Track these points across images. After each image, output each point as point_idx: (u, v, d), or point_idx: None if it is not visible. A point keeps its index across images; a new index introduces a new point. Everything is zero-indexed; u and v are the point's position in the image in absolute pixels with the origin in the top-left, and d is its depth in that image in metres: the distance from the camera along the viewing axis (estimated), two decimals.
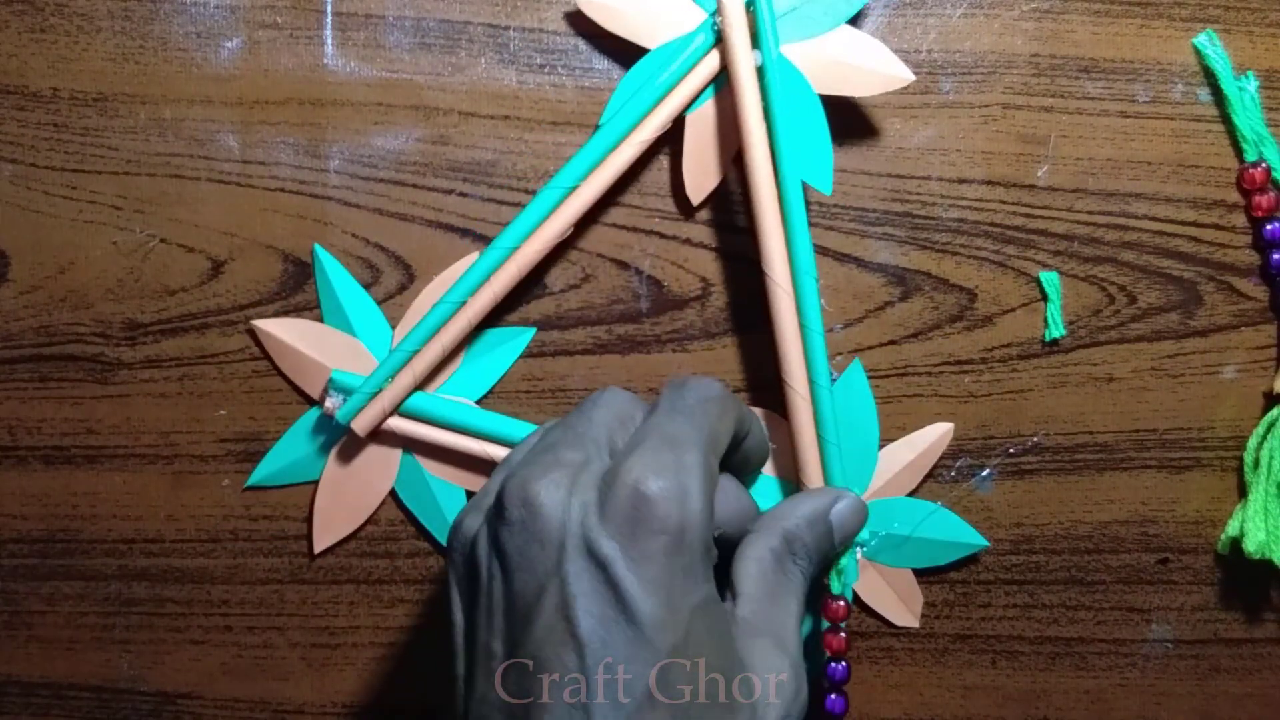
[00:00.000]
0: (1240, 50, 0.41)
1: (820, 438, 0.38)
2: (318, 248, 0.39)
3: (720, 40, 0.37)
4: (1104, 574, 0.42)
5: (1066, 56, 0.41)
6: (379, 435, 0.39)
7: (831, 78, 0.38)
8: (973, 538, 0.41)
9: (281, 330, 0.39)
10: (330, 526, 0.40)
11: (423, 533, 0.41)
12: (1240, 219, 0.41)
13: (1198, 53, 0.41)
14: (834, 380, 0.40)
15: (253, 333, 0.40)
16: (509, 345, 0.40)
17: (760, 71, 0.37)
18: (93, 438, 0.40)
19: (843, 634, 0.39)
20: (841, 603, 0.39)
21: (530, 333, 0.40)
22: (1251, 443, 0.42)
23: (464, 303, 0.38)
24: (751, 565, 0.32)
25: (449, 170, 0.40)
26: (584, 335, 0.41)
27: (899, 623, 0.42)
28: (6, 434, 0.40)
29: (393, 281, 0.40)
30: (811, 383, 0.37)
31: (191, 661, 0.41)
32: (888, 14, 0.40)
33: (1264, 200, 0.41)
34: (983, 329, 0.41)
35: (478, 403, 0.40)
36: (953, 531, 0.41)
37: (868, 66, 0.38)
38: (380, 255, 0.40)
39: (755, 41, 0.37)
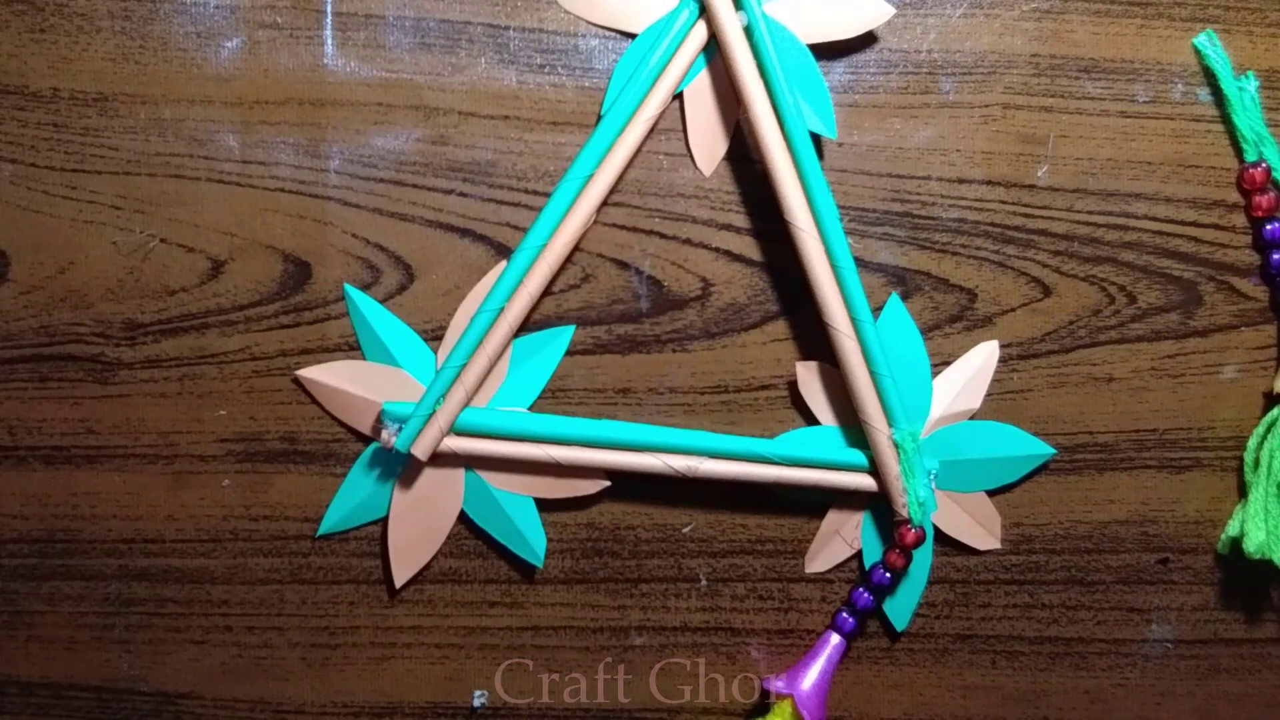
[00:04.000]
0: (1240, 50, 0.41)
1: (873, 373, 0.38)
2: (348, 287, 0.39)
3: (704, 10, 0.38)
4: (1104, 574, 0.42)
5: (1066, 56, 0.41)
6: (439, 458, 0.39)
7: (816, 26, 0.39)
8: (1040, 448, 0.41)
9: (326, 375, 0.39)
10: (407, 559, 0.40)
11: (497, 549, 0.41)
12: (1240, 219, 0.42)
13: (1198, 53, 0.41)
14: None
15: (297, 380, 0.40)
16: (552, 346, 0.40)
17: (748, 33, 0.37)
18: (93, 438, 0.40)
19: (905, 558, 0.40)
20: (918, 530, 0.39)
21: (570, 330, 0.40)
22: (1251, 443, 0.42)
23: (502, 309, 0.38)
24: None
25: (449, 170, 0.40)
26: (584, 335, 0.41)
27: (981, 547, 0.41)
28: (6, 434, 0.40)
29: (393, 281, 0.40)
30: (854, 320, 0.38)
31: (191, 661, 0.41)
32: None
33: (1264, 200, 0.41)
34: (983, 329, 0.41)
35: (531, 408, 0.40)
36: (1019, 445, 0.41)
37: (848, 8, 0.39)
38: (380, 255, 0.40)
39: (737, 5, 0.37)
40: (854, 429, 0.40)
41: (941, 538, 0.41)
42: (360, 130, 0.39)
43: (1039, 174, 0.41)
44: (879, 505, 0.41)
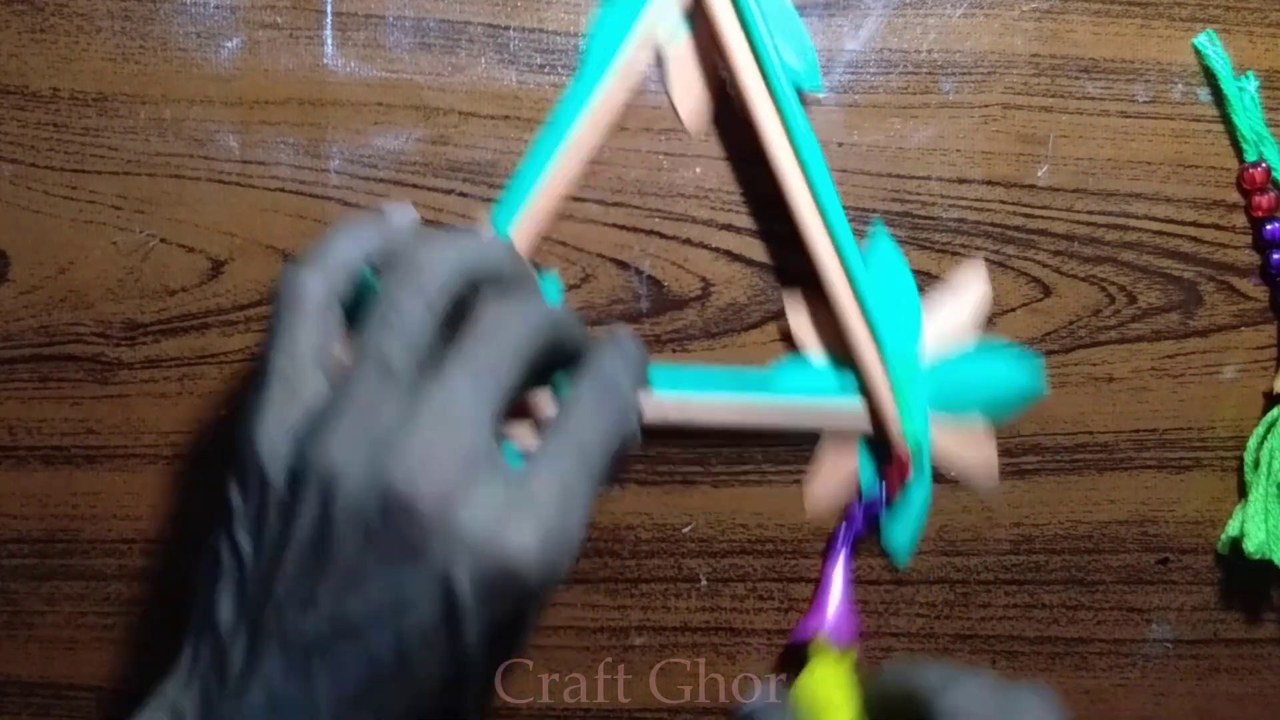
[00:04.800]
0: (1240, 50, 0.41)
1: (862, 306, 0.38)
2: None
3: None
4: (1104, 574, 0.42)
5: (1066, 56, 0.41)
6: None
7: None
8: (1034, 378, 0.41)
9: None
10: None
11: None
12: (1240, 219, 0.42)
13: (1198, 53, 0.41)
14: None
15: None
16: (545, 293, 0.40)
17: None
18: (93, 438, 0.40)
19: (898, 485, 0.40)
20: (913, 459, 0.39)
21: (553, 280, 0.40)
22: (1251, 443, 0.42)
23: None
24: None
25: (449, 170, 0.40)
26: None
27: (977, 479, 0.41)
28: (6, 434, 0.40)
29: None
30: (838, 249, 0.38)
31: None
32: (888, 14, 0.40)
33: (1264, 200, 0.41)
34: (983, 329, 0.41)
35: None
36: (1012, 373, 0.41)
37: None
38: None
39: None
40: (845, 362, 0.40)
41: (937, 477, 0.41)
42: (360, 130, 0.39)
43: (1039, 174, 0.41)
44: (873, 440, 0.40)
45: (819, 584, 0.41)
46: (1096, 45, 0.41)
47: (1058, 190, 0.41)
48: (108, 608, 0.41)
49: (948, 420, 0.40)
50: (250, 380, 0.30)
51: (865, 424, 0.39)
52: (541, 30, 0.39)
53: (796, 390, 0.39)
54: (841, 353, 0.39)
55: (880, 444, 0.40)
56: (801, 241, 0.38)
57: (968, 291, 0.41)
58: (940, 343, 0.40)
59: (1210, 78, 0.41)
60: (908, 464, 0.39)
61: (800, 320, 0.40)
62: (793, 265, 0.38)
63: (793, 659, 0.41)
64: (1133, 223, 0.41)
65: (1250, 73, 0.41)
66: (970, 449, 0.41)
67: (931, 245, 0.41)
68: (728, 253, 0.40)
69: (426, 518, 0.26)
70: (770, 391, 0.39)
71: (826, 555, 0.41)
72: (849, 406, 0.39)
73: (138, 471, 0.40)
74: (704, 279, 0.41)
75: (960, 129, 0.40)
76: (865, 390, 0.39)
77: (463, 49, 0.39)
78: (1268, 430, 0.41)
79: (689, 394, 0.39)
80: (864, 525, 0.41)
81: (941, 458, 0.41)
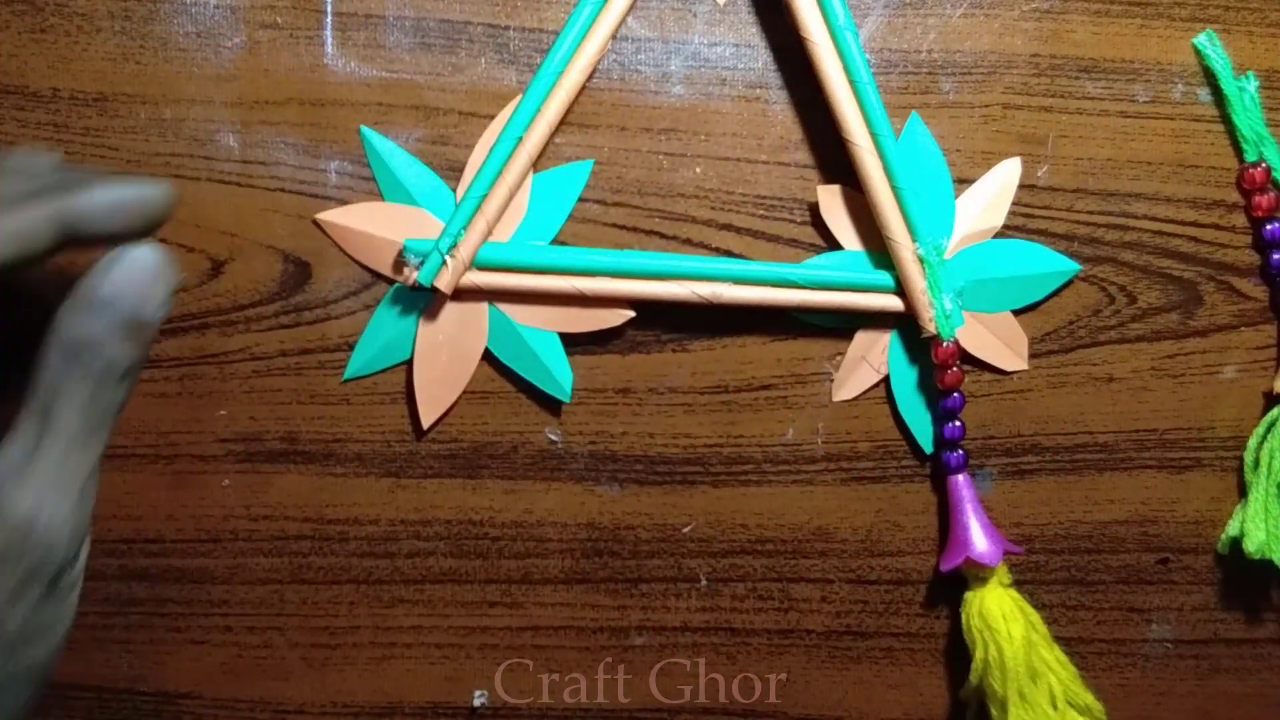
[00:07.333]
0: (1240, 50, 0.41)
1: (895, 188, 0.38)
2: (364, 128, 0.39)
3: None
4: (1104, 574, 0.43)
5: (1066, 56, 0.41)
6: (462, 293, 0.39)
7: None
8: (1065, 265, 0.41)
9: (346, 218, 0.39)
10: (433, 399, 0.40)
11: (523, 387, 0.40)
12: (1240, 219, 0.42)
13: (1198, 53, 0.41)
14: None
15: (317, 223, 0.39)
16: (572, 181, 0.40)
17: None
18: None
19: (955, 369, 0.39)
20: (950, 344, 0.39)
21: (589, 165, 0.40)
22: (1251, 443, 0.42)
23: (520, 139, 0.38)
24: (38, 395, 0.27)
25: (449, 170, 0.40)
26: (584, 335, 0.40)
27: (1008, 368, 0.41)
28: None
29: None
30: (873, 135, 0.38)
31: (191, 661, 0.41)
32: (888, 14, 0.40)
33: (1264, 200, 0.41)
34: None
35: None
36: (1043, 262, 0.41)
37: None
38: None
39: None
40: (878, 253, 0.40)
41: (967, 360, 0.41)
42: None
43: (1039, 174, 0.41)
44: (905, 328, 0.40)
45: (948, 516, 0.41)
46: (1096, 45, 0.41)
47: (1058, 190, 0.41)
48: (108, 608, 0.41)
49: (977, 307, 0.40)
50: None
51: (897, 308, 0.39)
52: (541, 30, 0.39)
53: (832, 277, 0.39)
54: (875, 242, 0.39)
55: (912, 333, 0.40)
56: (838, 130, 0.38)
57: (997, 182, 0.40)
58: (971, 230, 0.40)
59: (1210, 78, 0.41)
60: (943, 347, 0.39)
61: (835, 213, 0.40)
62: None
63: (946, 590, 0.41)
64: (1133, 223, 0.41)
65: (1250, 73, 0.41)
66: (998, 334, 0.41)
67: None
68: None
69: None
70: (806, 277, 0.39)
71: (945, 465, 0.40)
72: (882, 293, 0.39)
73: (137, 471, 0.40)
74: None
75: (960, 129, 0.40)
76: (898, 276, 0.39)
77: (463, 49, 0.39)
78: (1268, 430, 0.41)
79: (727, 279, 0.39)
80: (961, 429, 0.40)
81: (971, 344, 0.41)
